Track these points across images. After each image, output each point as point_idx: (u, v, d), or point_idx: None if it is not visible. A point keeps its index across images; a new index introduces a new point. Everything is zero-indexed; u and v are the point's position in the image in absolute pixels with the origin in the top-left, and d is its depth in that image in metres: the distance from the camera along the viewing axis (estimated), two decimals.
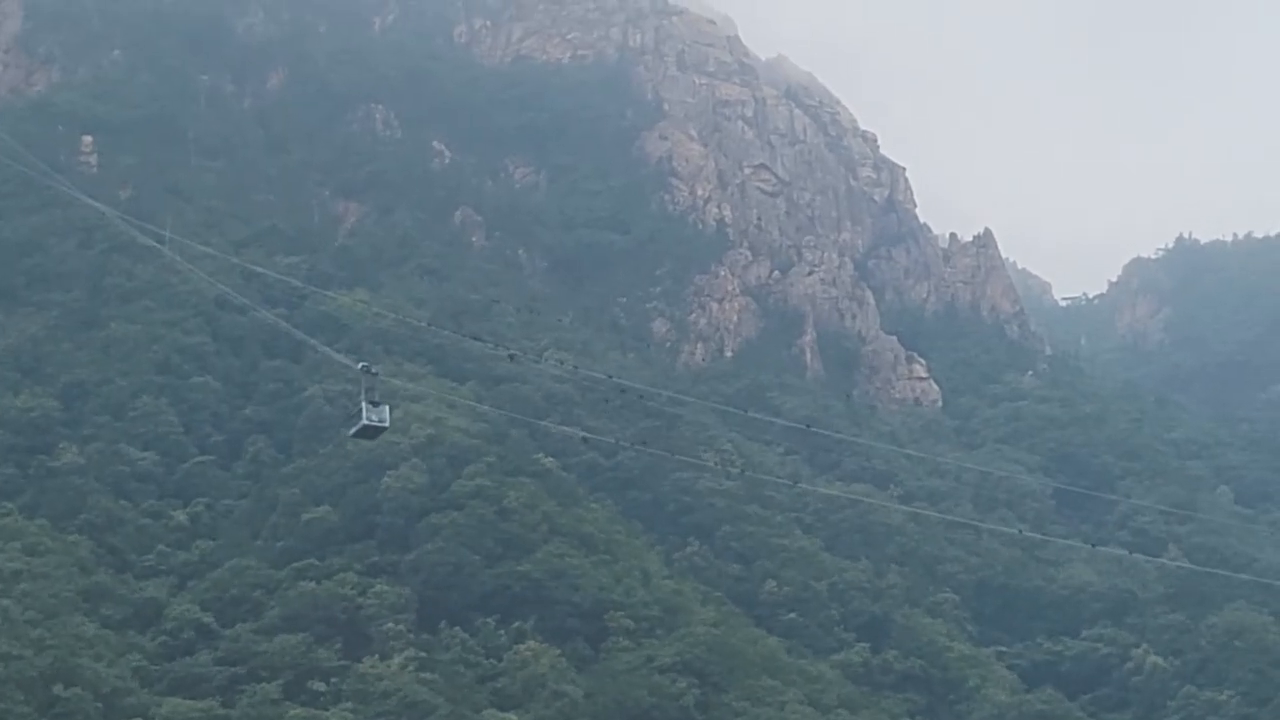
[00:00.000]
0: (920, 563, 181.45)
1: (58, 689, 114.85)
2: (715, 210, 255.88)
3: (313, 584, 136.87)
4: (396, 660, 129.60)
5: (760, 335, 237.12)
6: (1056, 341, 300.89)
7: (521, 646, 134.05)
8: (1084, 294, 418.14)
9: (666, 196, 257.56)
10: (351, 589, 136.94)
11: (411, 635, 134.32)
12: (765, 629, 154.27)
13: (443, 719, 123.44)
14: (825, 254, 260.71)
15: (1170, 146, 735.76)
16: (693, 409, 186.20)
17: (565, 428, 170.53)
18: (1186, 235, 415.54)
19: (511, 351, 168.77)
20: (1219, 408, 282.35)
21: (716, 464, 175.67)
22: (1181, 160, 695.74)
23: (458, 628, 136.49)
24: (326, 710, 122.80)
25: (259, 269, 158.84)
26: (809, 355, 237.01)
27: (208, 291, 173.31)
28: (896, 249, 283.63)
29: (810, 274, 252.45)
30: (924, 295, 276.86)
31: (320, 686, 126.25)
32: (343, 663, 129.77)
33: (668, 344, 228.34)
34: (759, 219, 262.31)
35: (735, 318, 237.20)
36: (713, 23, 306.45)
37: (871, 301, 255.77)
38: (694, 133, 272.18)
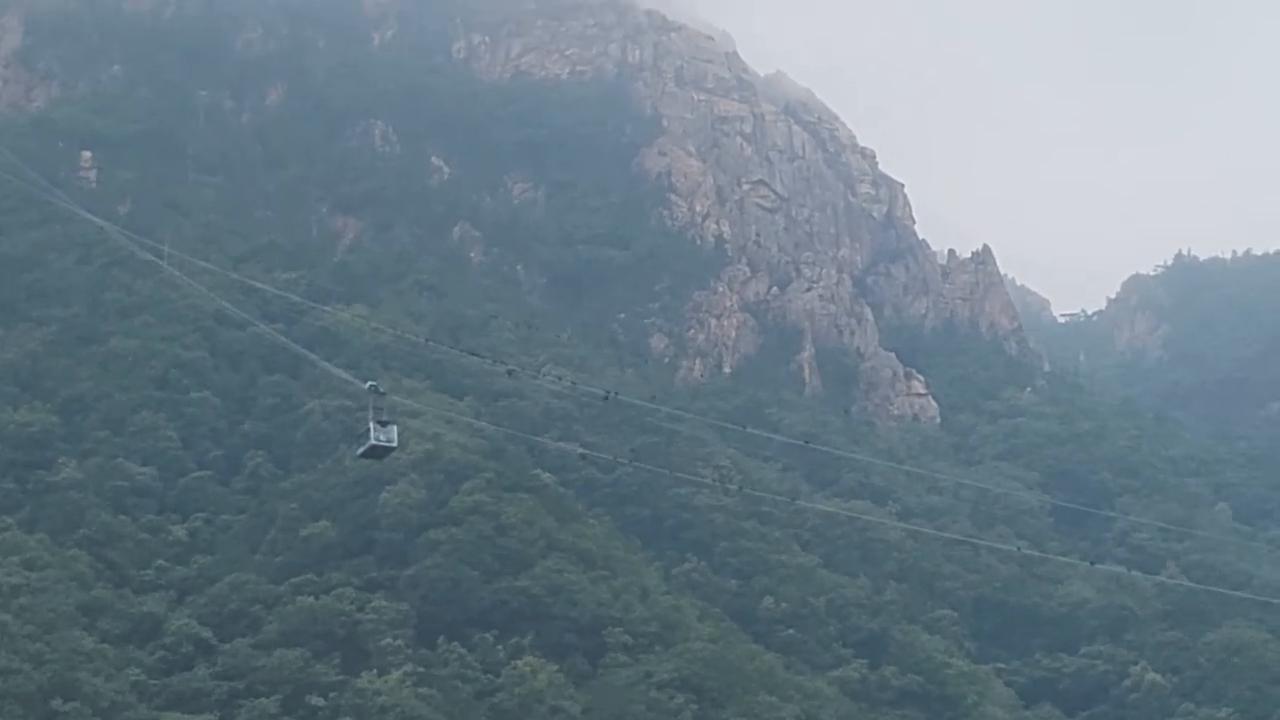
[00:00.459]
0: (918, 579, 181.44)
1: (56, 703, 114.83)
2: (714, 226, 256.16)
3: (311, 599, 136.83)
4: (395, 675, 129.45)
5: (759, 351, 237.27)
6: (1055, 358, 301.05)
7: (519, 662, 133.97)
8: (1083, 311, 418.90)
9: (665, 212, 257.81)
10: (350, 604, 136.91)
11: (410, 650, 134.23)
12: (763, 645, 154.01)
13: None
14: (824, 270, 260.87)
15: (1169, 164, 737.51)
16: (691, 425, 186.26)
17: (563, 444, 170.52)
18: (1185, 252, 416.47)
19: (510, 367, 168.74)
20: (1218, 425, 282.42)
21: (715, 480, 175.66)
22: (1180, 177, 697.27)
23: (456, 643, 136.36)
24: None
25: (258, 284, 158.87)
26: (807, 371, 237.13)
27: (206, 307, 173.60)
28: (895, 265, 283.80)
29: (809, 290, 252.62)
30: (922, 311, 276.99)
31: (318, 701, 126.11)
32: (341, 678, 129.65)
33: (666, 360, 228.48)
34: (757, 235, 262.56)
35: (734, 334, 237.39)
36: (711, 39, 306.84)
37: (870, 318, 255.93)
38: (692, 149, 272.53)
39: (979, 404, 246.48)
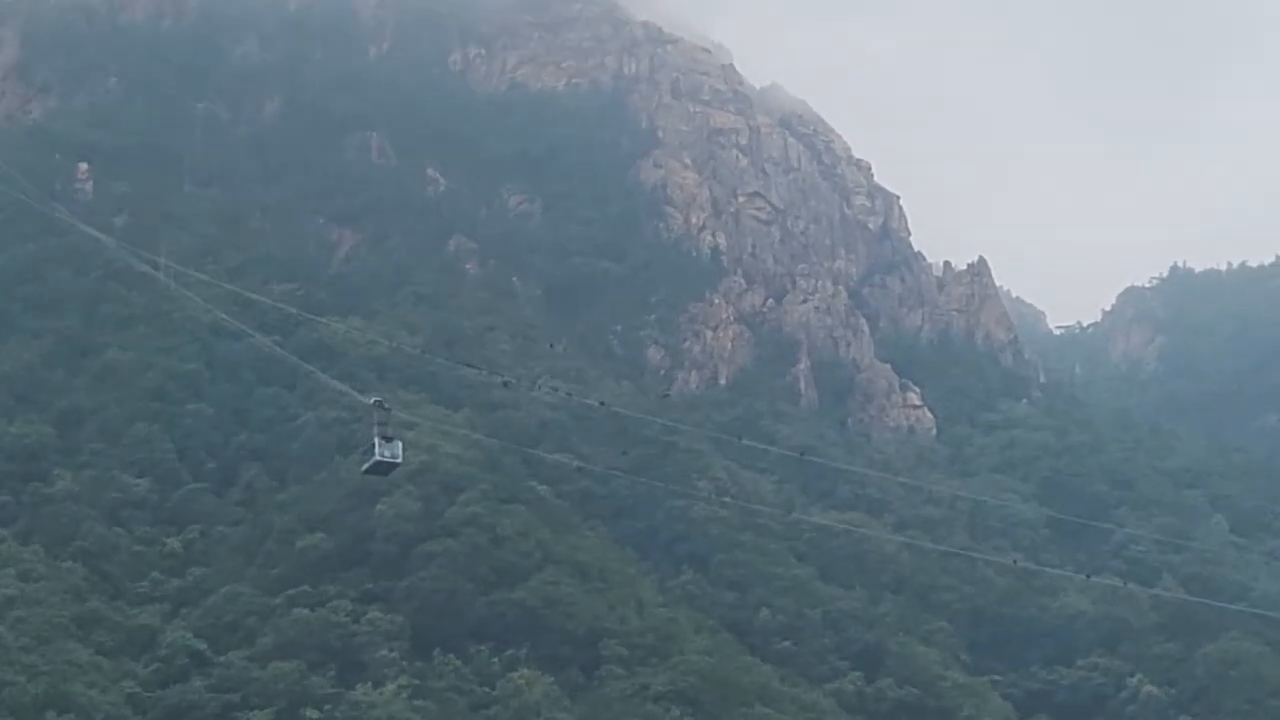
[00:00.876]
0: (914, 591, 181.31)
1: (50, 716, 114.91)
2: (709, 238, 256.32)
3: (306, 611, 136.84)
4: (390, 688, 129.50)
5: (754, 363, 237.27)
6: (1051, 370, 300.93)
7: (515, 674, 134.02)
8: (1078, 322, 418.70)
9: (661, 224, 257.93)
10: (345, 616, 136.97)
11: (405, 663, 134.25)
12: (759, 657, 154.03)
13: None
14: (819, 282, 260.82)
15: (1164, 176, 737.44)
16: (687, 437, 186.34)
17: (559, 456, 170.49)
18: (1181, 264, 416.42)
19: (505, 379, 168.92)
20: (1214, 437, 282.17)
21: (710, 492, 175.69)
22: (1176, 189, 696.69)
23: (451, 655, 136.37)
24: None
25: (254, 296, 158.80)
26: (803, 383, 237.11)
27: (203, 318, 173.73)
28: (891, 277, 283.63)
29: (804, 302, 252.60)
30: (918, 323, 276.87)
31: (313, 714, 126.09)
32: (336, 690, 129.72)
33: (662, 371, 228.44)
34: (753, 247, 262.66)
35: (729, 345, 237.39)
36: (707, 51, 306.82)
37: (866, 329, 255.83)
38: (688, 160, 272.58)
39: (975, 415, 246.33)
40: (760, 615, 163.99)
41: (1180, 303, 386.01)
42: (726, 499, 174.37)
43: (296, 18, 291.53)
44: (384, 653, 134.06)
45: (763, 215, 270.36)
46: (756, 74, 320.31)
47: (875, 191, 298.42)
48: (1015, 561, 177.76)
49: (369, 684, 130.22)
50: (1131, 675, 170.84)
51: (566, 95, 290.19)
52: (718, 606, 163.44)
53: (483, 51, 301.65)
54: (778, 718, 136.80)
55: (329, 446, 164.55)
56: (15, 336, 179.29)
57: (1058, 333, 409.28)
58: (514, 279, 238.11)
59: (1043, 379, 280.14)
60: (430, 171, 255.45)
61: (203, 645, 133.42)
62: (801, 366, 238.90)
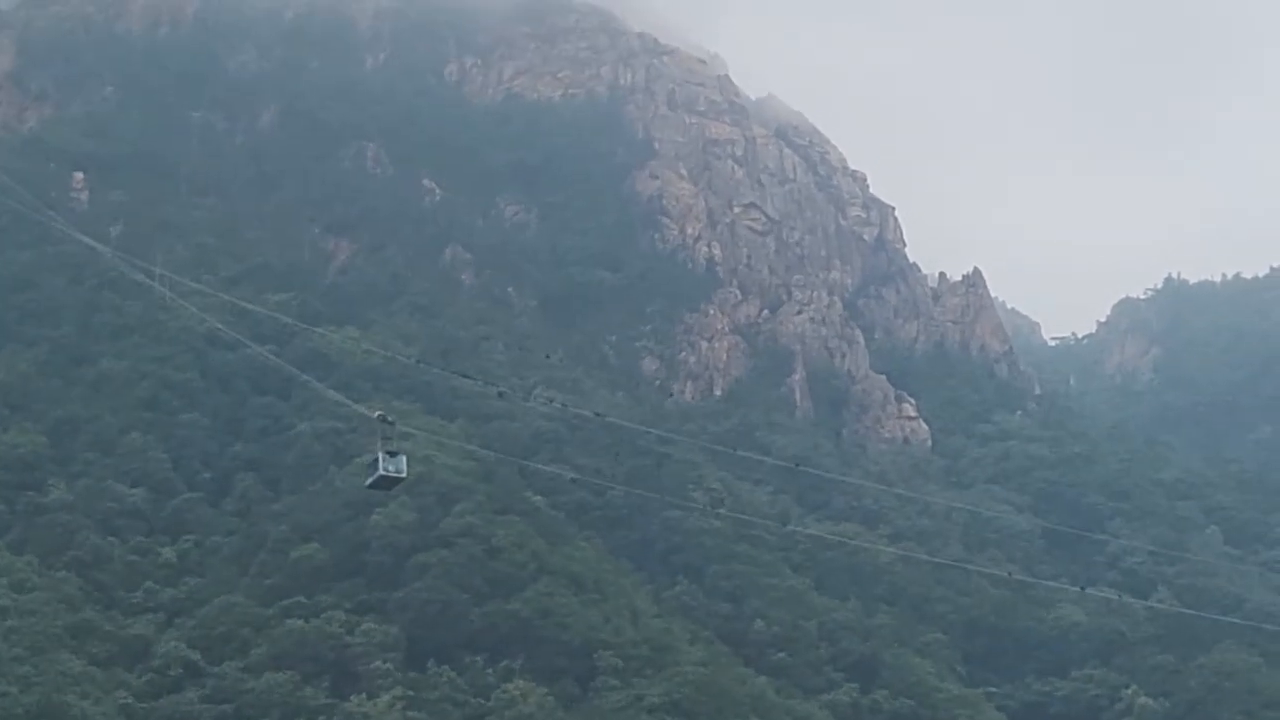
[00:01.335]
0: (909, 602, 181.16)
1: None
2: (705, 249, 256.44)
3: (301, 622, 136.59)
4: (384, 699, 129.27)
5: (749, 374, 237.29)
6: (1045, 381, 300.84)
7: (509, 685, 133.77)
8: (1073, 334, 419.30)
9: (656, 235, 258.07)
10: (339, 627, 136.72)
11: (399, 674, 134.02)
12: (754, 668, 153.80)
13: None
14: (815, 293, 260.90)
15: (1159, 187, 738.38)
16: (682, 448, 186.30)
17: (554, 466, 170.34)
18: (1175, 276, 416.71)
19: (501, 389, 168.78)
20: (1208, 448, 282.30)
21: (705, 503, 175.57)
22: (1170, 200, 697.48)
23: (446, 666, 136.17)
24: None
25: (249, 306, 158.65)
26: (798, 394, 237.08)
27: (198, 328, 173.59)
28: (886, 288, 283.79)
29: (800, 313, 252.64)
30: (913, 334, 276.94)
31: None
32: (330, 701, 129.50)
33: (657, 382, 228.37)
34: (749, 258, 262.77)
35: (725, 356, 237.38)
36: (703, 62, 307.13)
37: (861, 340, 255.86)
38: (684, 171, 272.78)
39: (970, 427, 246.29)
40: (755, 626, 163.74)
41: (1175, 314, 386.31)
42: (721, 510, 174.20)
43: (293, 27, 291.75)
44: (378, 664, 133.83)
45: (758, 226, 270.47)
46: (752, 85, 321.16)
47: (870, 202, 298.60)
48: (1010, 573, 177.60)
49: (363, 695, 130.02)
50: (1126, 687, 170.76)
51: (562, 105, 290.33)
52: (713, 617, 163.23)
53: (479, 62, 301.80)
54: None
55: (324, 457, 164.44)
56: (10, 345, 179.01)
57: (1053, 344, 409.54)
58: (509, 289, 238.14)
59: (1038, 390, 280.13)
60: (426, 181, 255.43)
61: (197, 656, 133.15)
62: (797, 377, 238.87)
